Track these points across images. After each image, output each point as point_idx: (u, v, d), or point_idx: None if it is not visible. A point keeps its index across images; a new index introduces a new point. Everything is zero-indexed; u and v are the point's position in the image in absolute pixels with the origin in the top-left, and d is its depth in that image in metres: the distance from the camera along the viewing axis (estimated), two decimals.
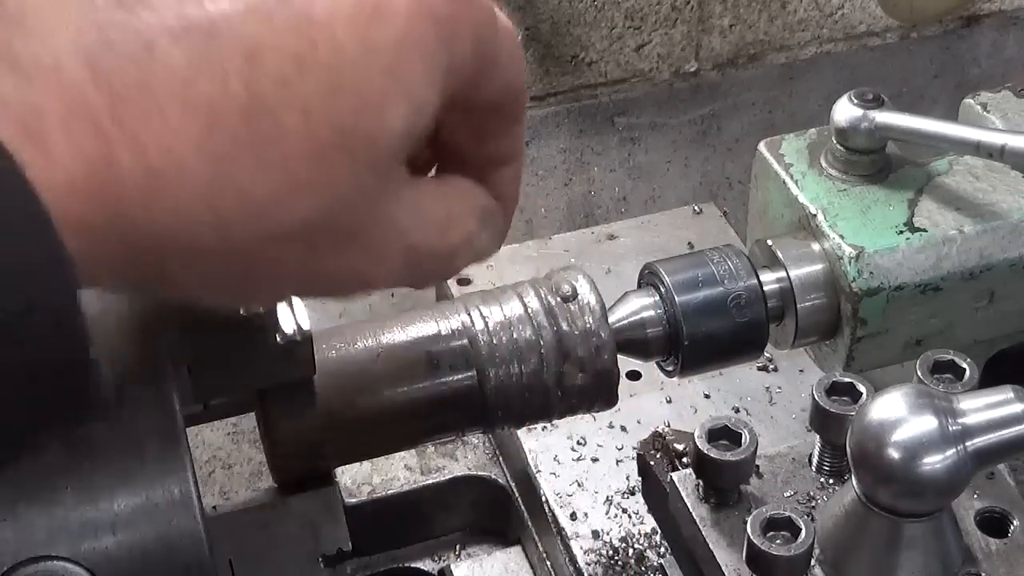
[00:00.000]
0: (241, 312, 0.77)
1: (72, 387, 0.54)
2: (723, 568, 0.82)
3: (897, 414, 0.75)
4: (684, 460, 0.91)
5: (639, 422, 1.12)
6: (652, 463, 0.92)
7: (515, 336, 0.86)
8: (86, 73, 0.52)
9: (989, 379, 0.82)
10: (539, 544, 1.09)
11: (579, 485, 1.08)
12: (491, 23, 0.61)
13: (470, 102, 0.63)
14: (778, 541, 0.78)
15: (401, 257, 0.61)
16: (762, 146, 1.03)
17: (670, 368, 0.93)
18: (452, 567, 1.12)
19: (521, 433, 1.10)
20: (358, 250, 0.60)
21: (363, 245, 0.59)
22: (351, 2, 0.56)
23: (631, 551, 1.04)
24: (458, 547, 1.16)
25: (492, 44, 0.61)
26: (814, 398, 0.84)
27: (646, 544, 1.04)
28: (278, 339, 0.79)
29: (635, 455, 1.03)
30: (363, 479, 1.14)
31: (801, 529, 0.78)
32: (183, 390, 0.71)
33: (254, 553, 0.80)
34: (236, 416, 0.87)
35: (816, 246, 0.96)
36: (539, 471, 1.09)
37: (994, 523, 0.83)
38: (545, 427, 1.10)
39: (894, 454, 0.74)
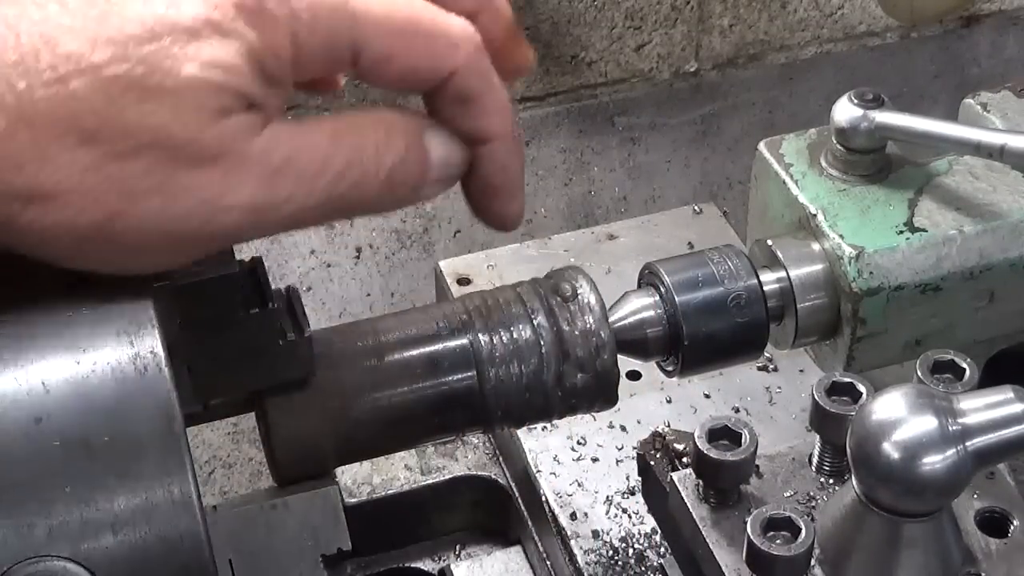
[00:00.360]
0: (242, 311, 0.78)
1: None
2: (723, 568, 0.82)
3: (897, 414, 0.75)
4: (684, 460, 0.91)
5: (639, 422, 1.12)
6: (652, 463, 0.92)
7: (515, 336, 0.86)
8: None
9: (989, 379, 0.82)
10: (539, 544, 1.09)
11: (579, 485, 1.08)
12: (331, 15, 0.70)
13: (368, 78, 0.73)
14: (778, 541, 0.78)
15: (256, 179, 0.69)
16: (762, 146, 1.03)
17: (670, 368, 0.93)
18: (452, 567, 1.12)
19: (521, 433, 1.10)
20: (209, 173, 0.68)
21: (213, 168, 0.68)
22: None
23: (631, 551, 1.04)
24: (458, 547, 1.16)
25: (339, 31, 0.71)
26: (814, 398, 0.84)
27: (646, 544, 1.04)
28: (278, 339, 0.79)
29: (635, 455, 1.03)
30: (363, 479, 1.14)
31: (801, 529, 0.78)
32: (183, 390, 0.71)
33: (254, 553, 0.80)
34: (236, 416, 0.87)
35: (816, 246, 0.96)
36: (539, 471, 1.09)
37: (994, 523, 0.83)
38: (545, 427, 1.10)
39: (894, 454, 0.74)
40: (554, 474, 1.09)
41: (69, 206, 0.66)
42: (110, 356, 0.68)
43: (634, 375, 1.12)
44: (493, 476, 1.15)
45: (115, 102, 0.66)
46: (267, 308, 0.78)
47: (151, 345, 0.69)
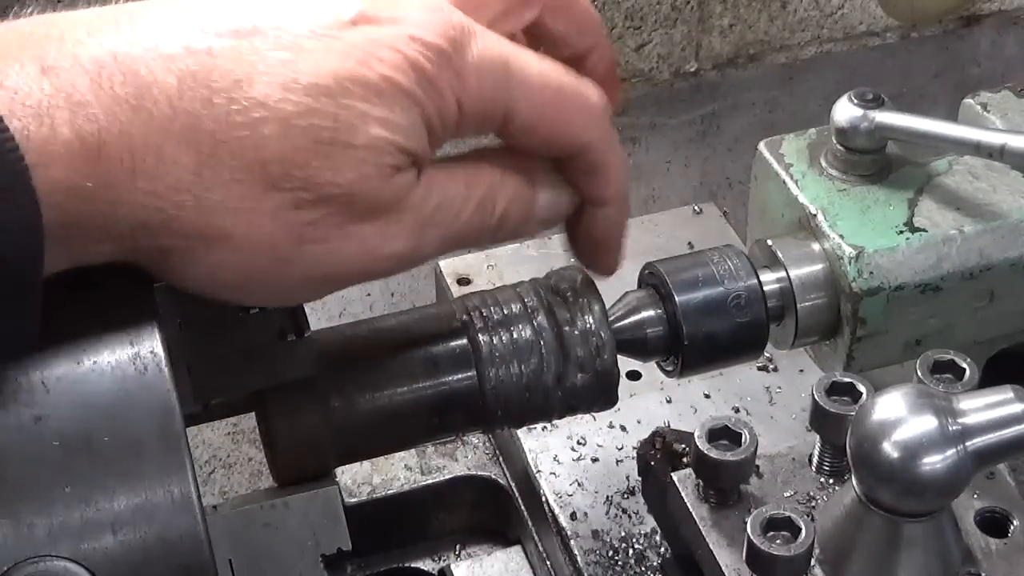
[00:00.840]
0: (242, 312, 0.78)
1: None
2: (723, 568, 0.82)
3: (897, 414, 0.75)
4: (684, 460, 0.91)
5: (639, 422, 1.12)
6: (652, 463, 0.92)
7: (515, 336, 0.86)
8: (92, 78, 0.64)
9: (989, 379, 0.82)
10: (539, 544, 1.09)
11: (579, 485, 1.08)
12: (489, 74, 0.73)
13: (508, 137, 0.77)
14: (778, 541, 0.78)
15: (411, 231, 0.73)
16: (762, 146, 1.03)
17: (670, 368, 0.93)
18: (452, 567, 1.12)
19: (521, 433, 1.10)
20: (371, 225, 0.71)
21: (376, 220, 0.71)
22: (340, 51, 0.69)
23: (631, 551, 1.04)
24: (458, 547, 1.16)
25: (498, 98, 0.74)
26: (814, 398, 0.84)
27: (646, 544, 1.04)
28: (278, 339, 0.79)
29: (635, 455, 1.03)
30: (363, 479, 1.14)
31: (801, 529, 0.78)
32: (183, 390, 0.71)
33: (254, 553, 0.80)
34: (236, 416, 0.87)
35: (816, 246, 0.96)
36: (539, 471, 1.09)
37: (994, 523, 0.83)
38: (545, 427, 1.10)
39: (894, 454, 0.74)
40: (554, 474, 1.09)
41: (243, 249, 0.68)
42: (110, 356, 0.68)
43: (634, 375, 1.12)
44: (493, 476, 1.15)
45: (302, 153, 0.67)
46: (267, 309, 0.78)
47: (151, 345, 0.69)
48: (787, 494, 0.85)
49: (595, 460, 1.10)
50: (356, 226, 0.70)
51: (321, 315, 1.79)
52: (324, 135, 0.67)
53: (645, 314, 0.91)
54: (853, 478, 0.78)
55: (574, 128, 0.78)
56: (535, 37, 0.81)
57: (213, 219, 0.67)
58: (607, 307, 0.89)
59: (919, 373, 0.84)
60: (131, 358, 0.68)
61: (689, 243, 1.27)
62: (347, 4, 0.70)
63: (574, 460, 1.10)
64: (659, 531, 1.02)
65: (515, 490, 1.13)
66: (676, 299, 0.90)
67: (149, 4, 0.70)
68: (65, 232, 0.64)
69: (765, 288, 0.92)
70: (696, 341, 0.90)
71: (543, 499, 1.07)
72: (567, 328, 0.86)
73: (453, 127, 0.73)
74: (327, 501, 0.82)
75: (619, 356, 0.88)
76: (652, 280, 0.92)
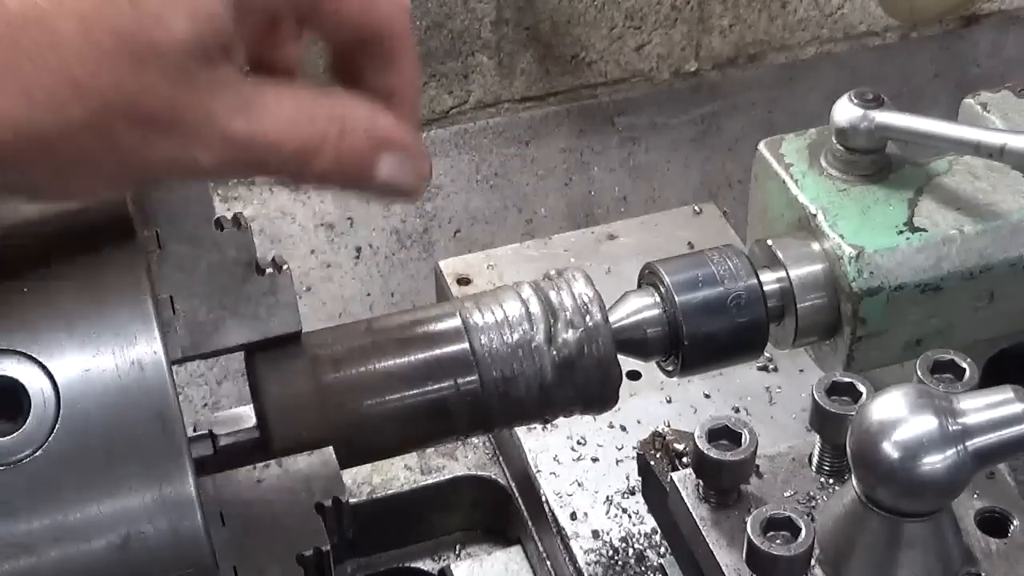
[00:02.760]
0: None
1: None
2: (723, 568, 0.82)
3: (897, 414, 0.75)
4: (684, 460, 0.91)
5: (639, 422, 1.12)
6: (652, 463, 0.92)
7: (515, 336, 0.86)
8: None
9: (989, 379, 0.82)
10: (539, 544, 1.09)
11: (579, 485, 1.08)
12: None
13: (312, 22, 0.74)
14: (778, 541, 0.78)
15: (221, 143, 0.69)
16: (762, 146, 1.03)
17: (670, 368, 0.93)
18: (452, 567, 1.12)
19: (521, 433, 1.10)
20: (173, 139, 0.67)
21: (178, 135, 0.67)
22: None
23: (631, 551, 1.04)
24: (458, 547, 1.16)
25: None
26: (814, 398, 0.84)
27: (646, 544, 1.04)
28: (257, 266, 0.80)
29: (635, 455, 1.03)
30: (363, 479, 1.14)
31: (801, 529, 0.78)
32: (173, 330, 0.73)
33: (246, 503, 0.78)
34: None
35: (816, 246, 0.96)
36: (539, 471, 1.09)
37: (994, 523, 0.83)
38: (545, 427, 1.10)
39: (894, 454, 0.74)
40: (554, 474, 1.09)
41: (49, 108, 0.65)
42: (110, 356, 0.68)
43: (634, 375, 1.12)
44: (493, 476, 1.15)
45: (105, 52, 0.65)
46: (241, 227, 0.80)
47: (151, 345, 0.69)
48: (787, 494, 0.85)
49: (595, 460, 1.10)
50: (157, 137, 0.67)
51: (321, 315, 1.80)
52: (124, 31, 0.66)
53: (645, 314, 0.91)
54: (853, 478, 0.78)
55: (372, 4, 0.75)
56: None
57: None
58: (607, 307, 0.89)
59: (919, 373, 0.84)
60: (131, 358, 0.68)
61: (689, 243, 1.27)
62: None
63: (574, 460, 1.10)
64: (659, 531, 1.02)
65: (515, 490, 1.13)
66: (676, 299, 0.90)
67: None
68: None
69: (765, 288, 0.92)
70: (696, 341, 0.90)
71: (543, 499, 1.07)
72: (567, 328, 0.86)
73: None
74: (320, 454, 0.81)
75: (619, 356, 0.88)
76: (652, 280, 0.92)
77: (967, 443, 0.74)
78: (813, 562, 0.80)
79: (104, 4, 0.65)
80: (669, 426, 1.05)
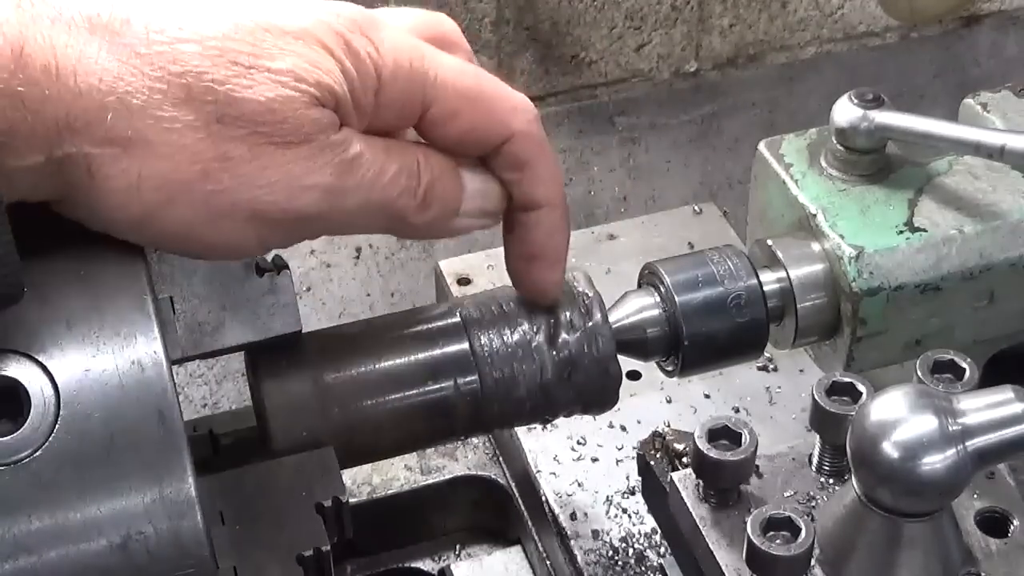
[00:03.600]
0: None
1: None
2: (723, 568, 0.82)
3: (897, 414, 0.75)
4: (684, 460, 0.90)
5: (639, 422, 1.12)
6: (652, 463, 0.92)
7: (515, 336, 0.86)
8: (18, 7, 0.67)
9: (989, 379, 0.82)
10: (539, 544, 1.09)
11: (579, 485, 1.08)
12: (399, 60, 0.76)
13: (426, 131, 0.79)
14: (778, 541, 0.78)
15: (333, 165, 0.74)
16: (762, 146, 1.03)
17: (670, 368, 0.93)
18: (452, 567, 1.12)
19: (521, 433, 1.10)
20: (287, 158, 0.72)
21: (292, 154, 0.72)
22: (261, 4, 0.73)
23: (631, 551, 1.04)
24: (458, 547, 1.16)
25: (415, 81, 0.77)
26: (814, 398, 0.84)
27: (646, 544, 1.04)
28: (257, 266, 0.81)
29: (635, 455, 1.03)
30: (363, 479, 1.14)
31: (801, 529, 0.78)
32: (168, 328, 0.72)
33: (245, 502, 0.78)
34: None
35: (816, 246, 0.96)
36: (539, 471, 1.09)
37: (994, 523, 0.83)
38: (545, 427, 1.10)
39: (894, 454, 0.74)
40: (554, 474, 1.09)
41: (166, 158, 0.69)
42: (110, 356, 0.68)
43: (634, 375, 1.12)
44: (493, 476, 1.15)
45: (221, 70, 0.69)
46: None
47: (151, 345, 0.69)
48: (787, 494, 0.85)
49: (595, 460, 1.10)
50: (278, 150, 0.72)
51: (321, 315, 1.80)
52: (242, 58, 0.70)
53: (645, 314, 0.91)
54: (853, 478, 0.78)
55: (495, 119, 0.79)
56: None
57: (135, 123, 0.68)
58: (607, 307, 0.89)
59: (919, 373, 0.84)
60: (131, 358, 0.68)
61: (689, 243, 1.27)
62: None
63: (574, 460, 1.10)
64: (659, 531, 1.02)
65: (515, 490, 1.13)
66: (676, 299, 0.90)
67: None
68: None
69: (765, 288, 0.92)
70: (696, 341, 0.90)
71: (543, 499, 1.07)
72: (567, 328, 0.86)
73: (372, 97, 0.75)
74: (320, 454, 0.81)
75: (619, 356, 0.88)
76: (652, 280, 0.92)
77: (967, 443, 0.74)
78: (813, 562, 0.80)
79: (224, 36, 0.71)
80: (669, 426, 1.05)
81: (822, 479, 0.86)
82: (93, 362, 0.68)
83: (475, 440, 1.16)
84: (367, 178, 0.76)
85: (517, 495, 1.13)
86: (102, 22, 0.68)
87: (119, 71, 0.68)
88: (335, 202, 0.75)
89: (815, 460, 0.87)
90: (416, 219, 0.79)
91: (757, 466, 0.86)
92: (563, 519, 1.06)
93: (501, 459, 1.15)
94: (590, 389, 0.88)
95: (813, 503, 0.85)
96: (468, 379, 0.85)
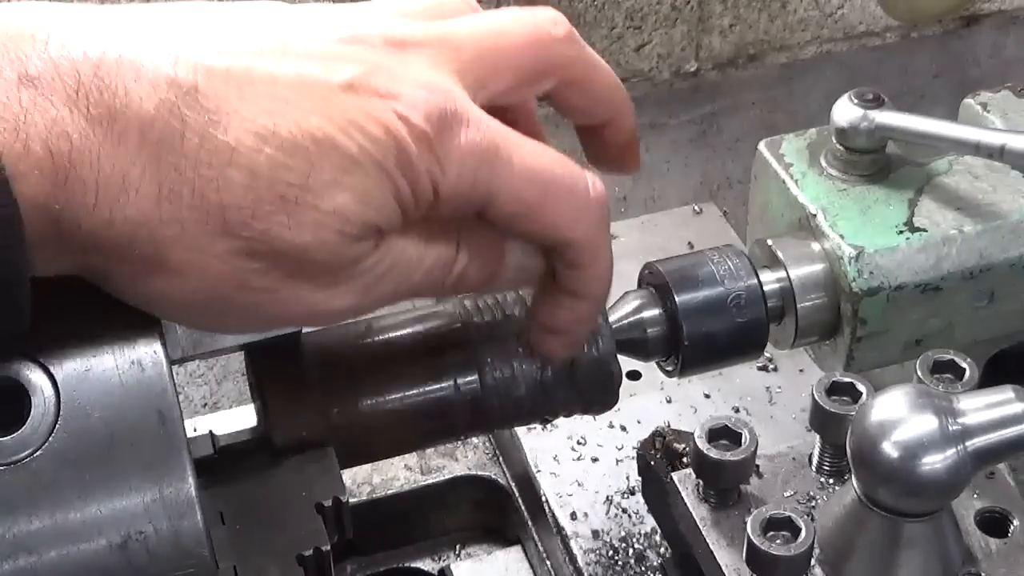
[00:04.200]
0: None
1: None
2: (723, 568, 0.82)
3: (897, 414, 0.75)
4: (684, 460, 0.91)
5: (639, 422, 1.12)
6: (652, 463, 0.92)
7: (515, 337, 0.86)
8: (70, 93, 0.64)
9: (989, 379, 0.82)
10: (539, 544, 1.09)
11: (579, 485, 1.08)
12: (473, 160, 0.70)
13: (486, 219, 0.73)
14: (778, 541, 0.78)
15: (361, 288, 0.71)
16: (762, 146, 1.03)
17: (670, 368, 0.93)
18: (452, 567, 1.12)
19: (521, 433, 1.10)
20: (311, 289, 0.70)
21: (317, 285, 0.70)
22: (325, 113, 0.67)
23: (631, 551, 1.04)
24: (458, 547, 1.16)
25: (480, 184, 0.71)
26: (814, 398, 0.84)
27: (646, 544, 1.04)
28: None
29: (635, 455, 1.03)
30: (363, 479, 1.14)
31: (801, 529, 0.78)
32: (168, 328, 0.72)
33: (246, 502, 0.78)
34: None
35: (816, 246, 0.96)
36: (539, 471, 1.09)
37: (994, 523, 0.83)
38: (545, 427, 1.10)
39: (894, 454, 0.74)
40: (554, 474, 1.09)
41: (188, 283, 0.67)
42: (110, 356, 0.68)
43: (634, 375, 1.12)
44: (493, 476, 1.15)
45: (264, 205, 0.66)
46: None
47: (151, 345, 0.69)
48: (787, 494, 0.85)
49: (595, 460, 1.10)
50: (303, 283, 0.69)
51: None
52: (290, 192, 0.66)
53: (645, 314, 0.91)
54: (853, 478, 0.78)
55: (560, 222, 0.74)
56: (551, 102, 0.80)
57: (164, 252, 0.66)
58: (607, 307, 0.89)
59: (919, 373, 0.84)
60: (131, 358, 0.68)
61: (689, 243, 1.27)
62: (344, 68, 0.68)
63: (574, 460, 1.10)
64: (659, 531, 1.02)
65: (515, 490, 1.13)
66: (676, 299, 0.90)
67: (149, 9, 0.69)
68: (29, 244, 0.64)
69: (765, 288, 0.92)
70: (696, 341, 0.90)
71: (543, 499, 1.07)
72: None
73: (426, 208, 0.70)
74: (320, 455, 0.81)
75: (619, 356, 0.88)
76: (652, 280, 0.92)
77: (967, 443, 0.74)
78: (813, 562, 0.80)
79: (274, 164, 0.66)
80: (669, 426, 1.05)
81: (822, 479, 0.86)
82: (93, 362, 0.68)
83: (475, 440, 1.16)
84: (395, 281, 0.72)
85: (517, 495, 1.13)
86: (154, 135, 0.64)
87: (158, 200, 0.65)
88: (358, 313, 0.74)
89: (815, 460, 0.87)
90: (444, 296, 0.79)
91: (757, 466, 0.86)
92: (563, 519, 1.06)
93: (501, 459, 1.15)
94: (590, 389, 0.88)
95: (813, 503, 0.85)
96: (468, 379, 0.85)
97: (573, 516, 1.06)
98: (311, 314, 0.71)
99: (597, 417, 1.08)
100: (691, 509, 0.85)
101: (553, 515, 1.06)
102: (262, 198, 0.66)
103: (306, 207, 0.66)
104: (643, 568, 1.03)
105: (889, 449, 0.74)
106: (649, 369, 1.00)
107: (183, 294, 0.68)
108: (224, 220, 0.66)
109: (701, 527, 0.84)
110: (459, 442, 1.15)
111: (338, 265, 0.69)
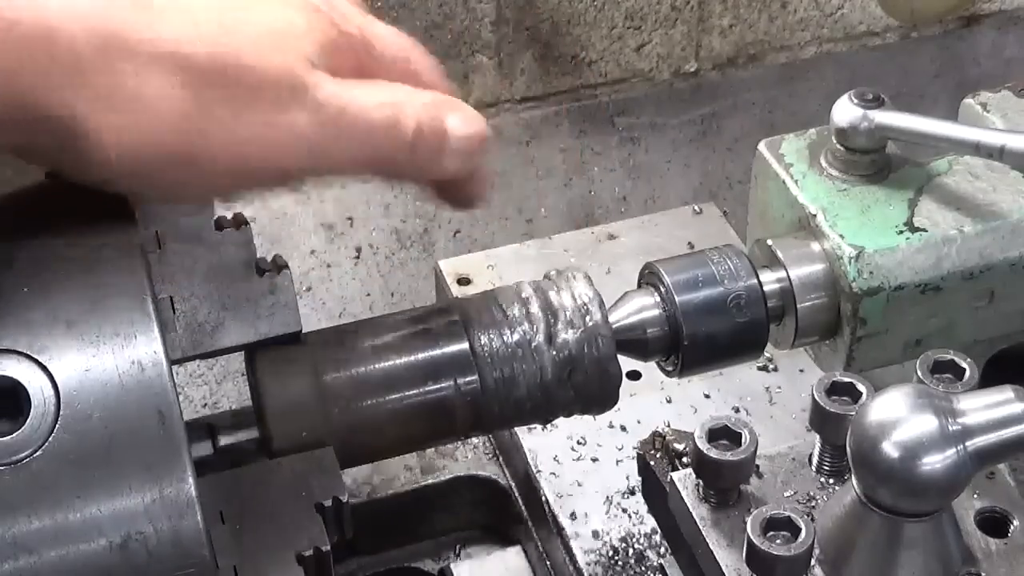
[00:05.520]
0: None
1: None
2: (723, 568, 0.82)
3: (897, 414, 0.75)
4: (684, 460, 0.91)
5: (639, 422, 1.12)
6: (652, 463, 0.92)
7: (515, 336, 0.86)
8: None
9: (989, 379, 0.82)
10: (539, 544, 1.09)
11: (579, 485, 1.08)
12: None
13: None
14: (778, 541, 0.78)
15: (320, 119, 0.75)
16: (762, 146, 1.03)
17: (670, 368, 0.93)
18: (452, 567, 1.12)
19: (521, 433, 1.10)
20: (268, 108, 0.73)
21: (273, 105, 0.73)
22: None
23: (631, 551, 1.04)
24: (458, 547, 1.16)
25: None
26: (814, 398, 0.84)
27: (646, 544, 1.04)
28: (256, 266, 0.81)
29: (635, 455, 1.03)
30: (363, 479, 1.14)
31: (801, 529, 0.78)
32: (168, 328, 0.73)
33: (245, 502, 0.78)
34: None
35: (816, 246, 0.96)
36: (539, 471, 1.09)
37: (994, 523, 0.83)
38: (545, 427, 1.10)
39: (894, 454, 0.74)
40: (554, 474, 1.09)
41: (149, 111, 0.70)
42: (110, 356, 0.68)
43: (634, 375, 1.12)
44: (493, 476, 1.15)
45: (205, 28, 0.71)
46: (241, 227, 0.81)
47: (151, 345, 0.69)
48: (787, 494, 0.85)
49: (595, 460, 1.10)
50: (260, 103, 0.73)
51: (321, 315, 1.79)
52: (228, 18, 0.73)
53: (645, 314, 0.91)
54: (853, 478, 0.78)
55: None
56: None
57: (121, 79, 0.69)
58: (607, 307, 0.89)
59: (919, 373, 0.84)
60: (131, 358, 0.68)
61: (689, 243, 1.27)
62: None
63: (574, 460, 1.10)
64: (659, 531, 1.02)
65: (515, 490, 1.13)
66: (676, 299, 0.90)
67: None
68: None
69: (765, 288, 0.92)
70: (696, 341, 0.90)
71: (543, 499, 1.07)
72: (567, 328, 0.86)
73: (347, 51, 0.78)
74: (319, 454, 0.81)
75: (619, 356, 0.88)
76: (652, 280, 0.92)
77: (967, 443, 0.74)
78: (813, 562, 0.80)
79: (209, 3, 0.74)
80: (669, 426, 1.05)
81: (822, 479, 0.86)
82: (93, 362, 0.68)
83: (475, 440, 1.16)
84: (355, 127, 0.77)
85: (517, 495, 1.13)
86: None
87: (103, 46, 0.69)
88: (322, 156, 0.76)
89: (815, 460, 0.87)
90: (406, 168, 0.80)
91: (757, 466, 0.86)
92: (563, 519, 1.06)
93: (501, 459, 1.16)
94: (590, 389, 0.88)
95: (813, 503, 0.85)
96: (468, 379, 0.85)
97: (573, 516, 1.06)
98: (275, 140, 0.74)
99: (597, 417, 1.08)
100: (691, 509, 0.85)
101: (553, 515, 1.06)
102: (199, 22, 0.72)
103: (248, 24, 0.74)
104: (643, 568, 1.03)
105: (889, 449, 0.74)
106: (649, 369, 1.00)
107: (148, 126, 0.70)
108: (175, 55, 0.70)
109: (701, 527, 0.84)
110: (459, 442, 1.15)
111: (288, 81, 0.74)
